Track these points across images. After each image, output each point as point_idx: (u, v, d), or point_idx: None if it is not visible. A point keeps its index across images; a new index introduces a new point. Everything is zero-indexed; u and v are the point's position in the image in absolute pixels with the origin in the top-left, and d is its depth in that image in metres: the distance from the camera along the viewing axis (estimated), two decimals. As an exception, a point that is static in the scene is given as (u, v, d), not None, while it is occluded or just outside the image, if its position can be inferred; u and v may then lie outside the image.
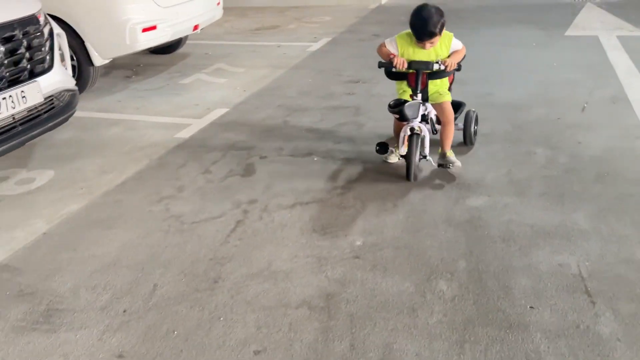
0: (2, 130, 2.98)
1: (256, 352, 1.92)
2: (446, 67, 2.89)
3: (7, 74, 3.01)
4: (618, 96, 4.19)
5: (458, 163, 3.08)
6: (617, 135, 3.51)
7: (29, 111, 3.18)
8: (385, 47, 3.05)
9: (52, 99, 3.38)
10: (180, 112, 4.54)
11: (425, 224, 2.64)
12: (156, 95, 5.02)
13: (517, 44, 6.01)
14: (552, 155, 3.28)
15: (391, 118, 3.16)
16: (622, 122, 3.72)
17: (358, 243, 2.52)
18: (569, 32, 6.30)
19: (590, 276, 2.20)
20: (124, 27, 4.69)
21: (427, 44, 2.90)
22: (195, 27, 5.54)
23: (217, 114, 4.41)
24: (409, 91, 3.04)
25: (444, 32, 2.94)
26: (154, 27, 4.88)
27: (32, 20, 3.24)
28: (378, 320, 2.04)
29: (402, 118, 2.92)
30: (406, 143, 2.98)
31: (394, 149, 3.19)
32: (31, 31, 3.20)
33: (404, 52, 2.99)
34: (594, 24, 6.63)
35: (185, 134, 4.04)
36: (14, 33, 3.06)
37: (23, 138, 3.10)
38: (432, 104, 3.08)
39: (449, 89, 3.22)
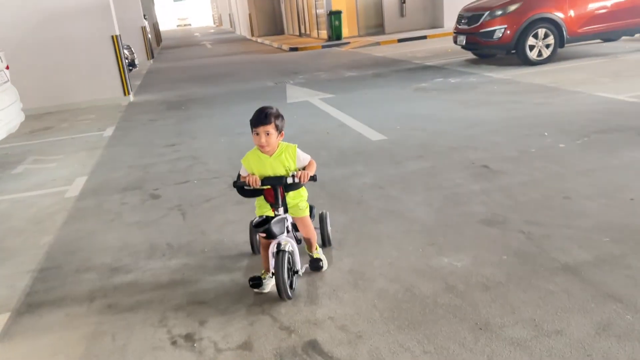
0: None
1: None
2: (300, 178, 2.91)
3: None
4: (340, 124, 7.05)
5: (325, 264, 3.20)
6: (351, 140, 6.22)
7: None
8: (241, 174, 3.04)
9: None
10: (44, 186, 5.47)
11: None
12: (2, 183, 5.69)
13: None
14: (329, 153, 5.74)
15: (225, 152, 4.84)
16: (350, 134, 6.50)
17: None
18: (289, 101, 9.25)
19: (378, 182, 4.61)
20: (-30, 127, 5.40)
21: (262, 136, 2.86)
22: (16, 127, 6.37)
23: (82, 181, 5.53)
24: (268, 206, 3.04)
25: (288, 144, 3.01)
26: (-8, 127, 5.68)
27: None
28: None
29: (270, 236, 2.86)
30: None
31: (264, 278, 3.02)
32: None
33: (253, 170, 2.98)
34: (300, 94, 9.79)
35: (72, 193, 5.12)
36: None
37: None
38: (291, 216, 3.10)
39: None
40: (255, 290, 3.00)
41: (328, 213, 3.57)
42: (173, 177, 5.37)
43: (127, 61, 14.69)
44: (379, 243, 3.51)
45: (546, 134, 5.58)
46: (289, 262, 2.89)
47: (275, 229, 2.85)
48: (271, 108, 2.94)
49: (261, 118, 2.88)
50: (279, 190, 2.97)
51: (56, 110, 10.27)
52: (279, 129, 2.94)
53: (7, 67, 6.56)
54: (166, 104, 10.00)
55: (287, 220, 2.98)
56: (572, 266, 3.00)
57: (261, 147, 2.93)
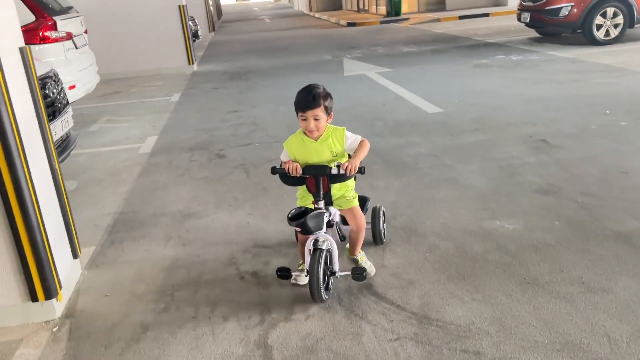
0: (63, 142, 4.22)
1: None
2: (346, 170, 2.55)
3: (60, 105, 4.27)
4: (397, 97, 7.15)
5: (372, 270, 2.85)
6: (407, 112, 6.33)
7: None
8: (282, 160, 2.74)
9: (69, 125, 4.63)
10: (119, 143, 5.90)
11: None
12: (80, 139, 6.17)
13: (319, 82, 8.77)
14: (385, 123, 5.88)
15: (284, 119, 5.08)
16: (406, 106, 6.60)
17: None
18: (347, 74, 9.39)
19: (432, 152, 4.74)
20: (55, 85, 5.87)
21: (311, 121, 2.56)
22: (93, 88, 6.84)
23: (153, 140, 5.92)
24: (310, 197, 2.71)
25: (335, 127, 2.69)
26: (74, 86, 6.14)
27: (54, 72, 4.51)
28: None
29: (305, 231, 2.59)
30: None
31: (298, 272, 2.79)
32: (57, 79, 4.48)
33: (296, 155, 2.68)
34: (357, 68, 9.90)
35: (144, 150, 5.51)
36: (55, 79, 4.35)
37: (72, 148, 4.34)
38: (339, 209, 2.83)
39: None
40: (292, 281, 2.79)
41: (383, 208, 3.23)
42: (236, 140, 5.66)
43: (191, 32, 15.24)
44: (432, 206, 3.66)
45: (608, 112, 5.50)
46: (325, 262, 2.60)
47: (311, 223, 2.56)
48: (318, 87, 2.63)
49: (309, 101, 2.57)
50: (321, 181, 2.64)
51: (125, 77, 10.81)
52: (328, 111, 2.62)
53: (86, 32, 7.02)
54: (228, 74, 10.34)
55: (327, 215, 2.69)
56: (624, 234, 3.06)
57: (310, 133, 2.62)
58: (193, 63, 11.23)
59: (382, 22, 18.91)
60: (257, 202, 3.92)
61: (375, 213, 3.13)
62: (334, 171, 2.59)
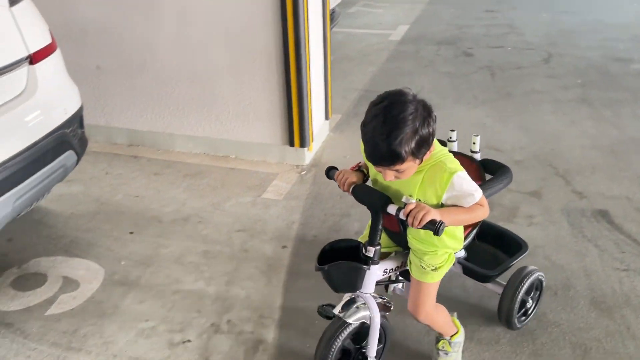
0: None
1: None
2: (407, 216, 1.43)
3: None
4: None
5: None
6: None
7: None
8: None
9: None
10: (372, 27, 6.17)
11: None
12: (340, 19, 6.59)
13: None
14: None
15: (544, 27, 4.46)
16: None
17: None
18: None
19: None
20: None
21: (388, 172, 1.45)
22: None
23: (404, 29, 6.03)
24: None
25: (443, 164, 1.48)
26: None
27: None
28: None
29: (330, 285, 1.63)
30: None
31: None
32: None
33: (367, 164, 1.60)
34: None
35: (394, 38, 5.68)
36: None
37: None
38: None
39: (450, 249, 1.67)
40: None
41: (541, 277, 1.95)
42: (487, 40, 5.44)
43: None
44: None
45: None
46: (350, 341, 1.70)
47: (336, 277, 1.60)
48: (404, 122, 1.34)
49: (382, 152, 1.38)
50: (380, 217, 1.57)
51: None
52: (420, 154, 1.41)
53: None
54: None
55: (383, 271, 1.66)
56: None
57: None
58: (455, -44, 10.71)
59: None
60: (497, 105, 3.83)
61: (518, 277, 1.88)
62: (391, 210, 1.51)
